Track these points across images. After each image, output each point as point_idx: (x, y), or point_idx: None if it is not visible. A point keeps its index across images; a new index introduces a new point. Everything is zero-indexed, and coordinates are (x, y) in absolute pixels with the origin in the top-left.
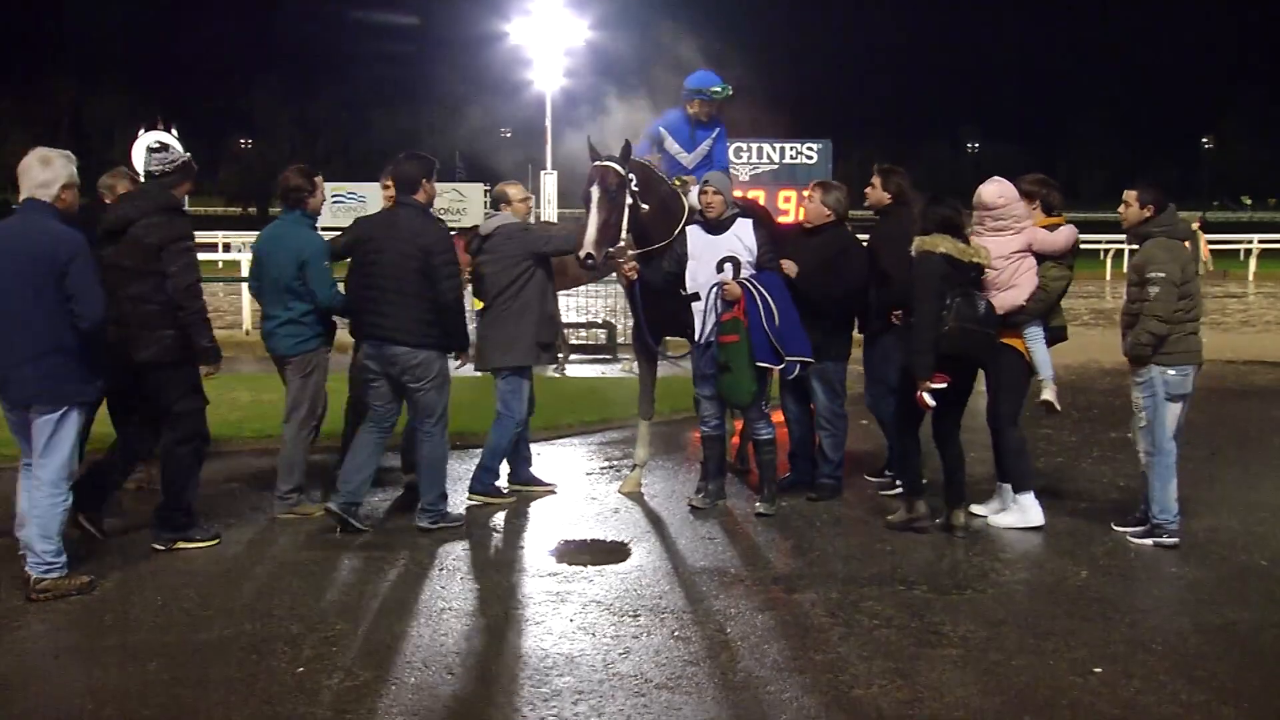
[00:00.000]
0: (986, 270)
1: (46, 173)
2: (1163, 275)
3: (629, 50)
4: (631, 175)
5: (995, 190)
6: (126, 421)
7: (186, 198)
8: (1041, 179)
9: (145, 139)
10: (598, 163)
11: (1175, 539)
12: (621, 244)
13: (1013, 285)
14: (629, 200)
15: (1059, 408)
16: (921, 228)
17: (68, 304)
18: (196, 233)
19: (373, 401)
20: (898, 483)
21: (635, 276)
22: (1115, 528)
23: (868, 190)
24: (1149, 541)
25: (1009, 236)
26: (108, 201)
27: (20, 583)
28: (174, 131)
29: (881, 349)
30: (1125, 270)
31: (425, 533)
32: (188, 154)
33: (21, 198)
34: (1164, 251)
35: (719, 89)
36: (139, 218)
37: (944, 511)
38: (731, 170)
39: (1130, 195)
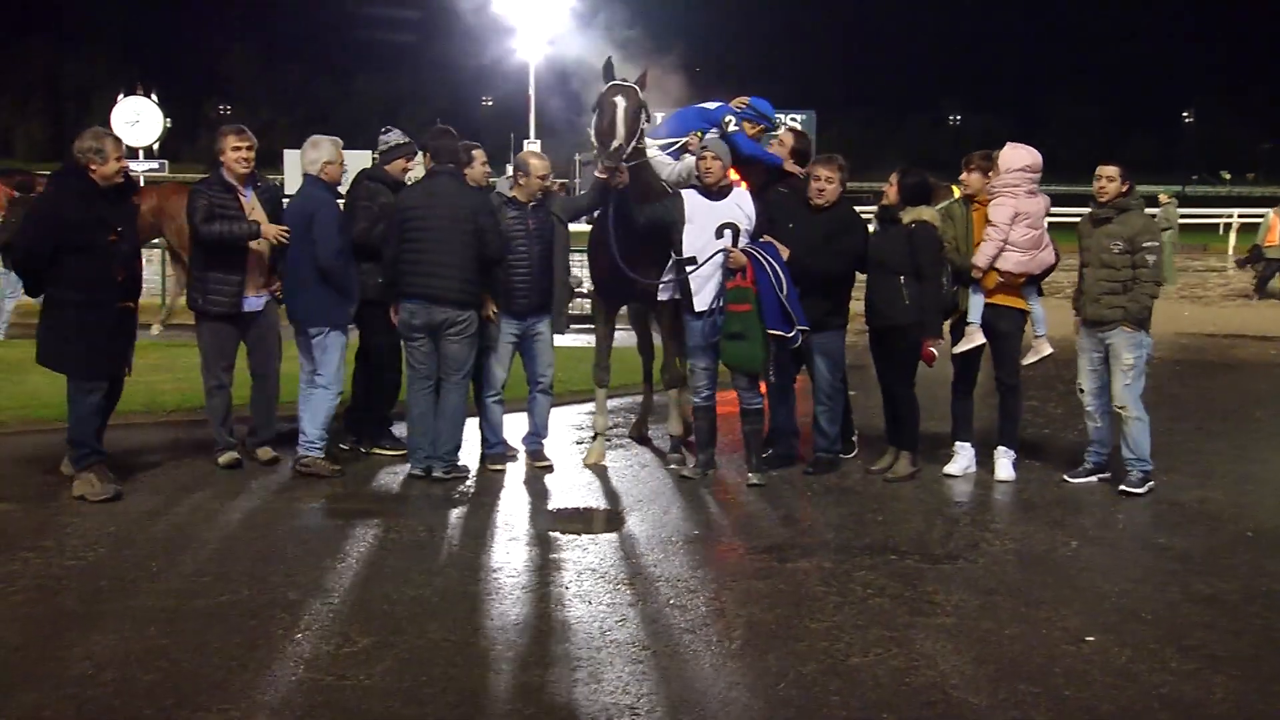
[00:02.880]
0: (1029, 228)
1: (313, 153)
2: (1158, 245)
3: (613, 21)
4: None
5: (1035, 154)
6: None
7: (405, 172)
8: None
9: (124, 104)
10: (618, 82)
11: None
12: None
13: (1047, 245)
14: (644, 124)
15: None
16: (911, 199)
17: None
18: None
19: (415, 360)
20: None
21: (622, 184)
22: (1067, 479)
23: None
24: (1095, 479)
25: (1039, 199)
26: (93, 167)
27: (14, 543)
28: (154, 97)
29: None
30: (1089, 239)
31: (438, 482)
32: (407, 138)
33: (302, 173)
34: (1153, 223)
35: (777, 126)
36: (359, 183)
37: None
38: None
39: (1113, 171)
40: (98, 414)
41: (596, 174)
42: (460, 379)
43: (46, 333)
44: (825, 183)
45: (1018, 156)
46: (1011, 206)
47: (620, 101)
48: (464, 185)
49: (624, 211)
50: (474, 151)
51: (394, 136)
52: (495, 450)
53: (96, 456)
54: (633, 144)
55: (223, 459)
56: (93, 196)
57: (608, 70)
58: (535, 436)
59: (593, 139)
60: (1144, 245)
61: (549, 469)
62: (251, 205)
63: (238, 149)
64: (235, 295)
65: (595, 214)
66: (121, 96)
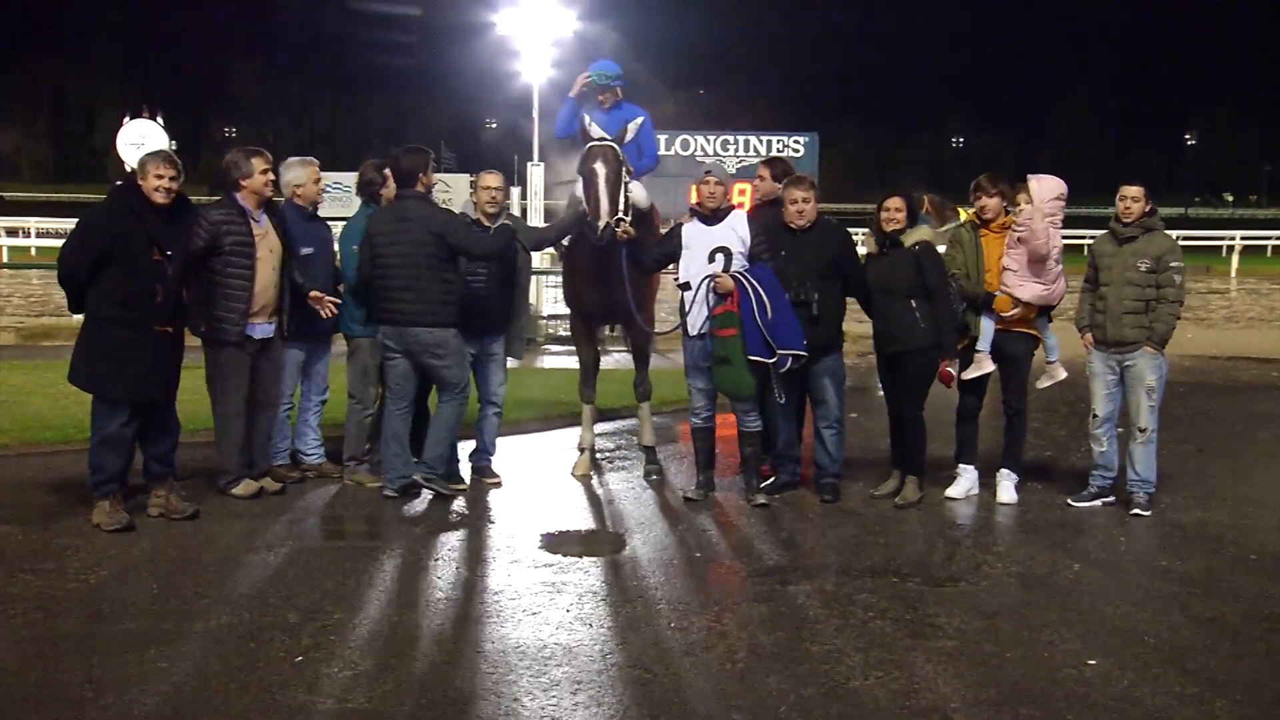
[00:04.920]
0: (1055, 262)
1: (285, 176)
2: (1183, 265)
3: (617, 42)
4: (625, 155)
5: (1063, 184)
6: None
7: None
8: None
9: (130, 127)
10: (596, 143)
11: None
12: (620, 215)
13: (1061, 275)
14: (626, 178)
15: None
16: (911, 221)
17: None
18: None
19: (391, 380)
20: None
21: (628, 238)
22: (1071, 502)
23: (756, 182)
24: (1099, 503)
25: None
26: (139, 182)
27: (14, 565)
28: (159, 120)
29: None
30: (1111, 259)
31: (439, 502)
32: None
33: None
34: (1177, 244)
35: (592, 76)
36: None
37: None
38: (720, 163)
39: (1137, 191)
40: (120, 442)
41: (597, 240)
42: (457, 394)
43: (78, 349)
44: (803, 203)
45: (1051, 186)
46: (1057, 235)
47: (600, 170)
48: (433, 206)
49: (635, 255)
50: (386, 171)
51: None
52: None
53: (114, 485)
54: (620, 206)
55: (242, 490)
56: (144, 212)
57: (584, 133)
58: (484, 454)
59: (583, 205)
60: (1170, 265)
61: (497, 484)
62: (264, 230)
63: (266, 172)
64: (240, 321)
65: (568, 242)
66: (127, 119)
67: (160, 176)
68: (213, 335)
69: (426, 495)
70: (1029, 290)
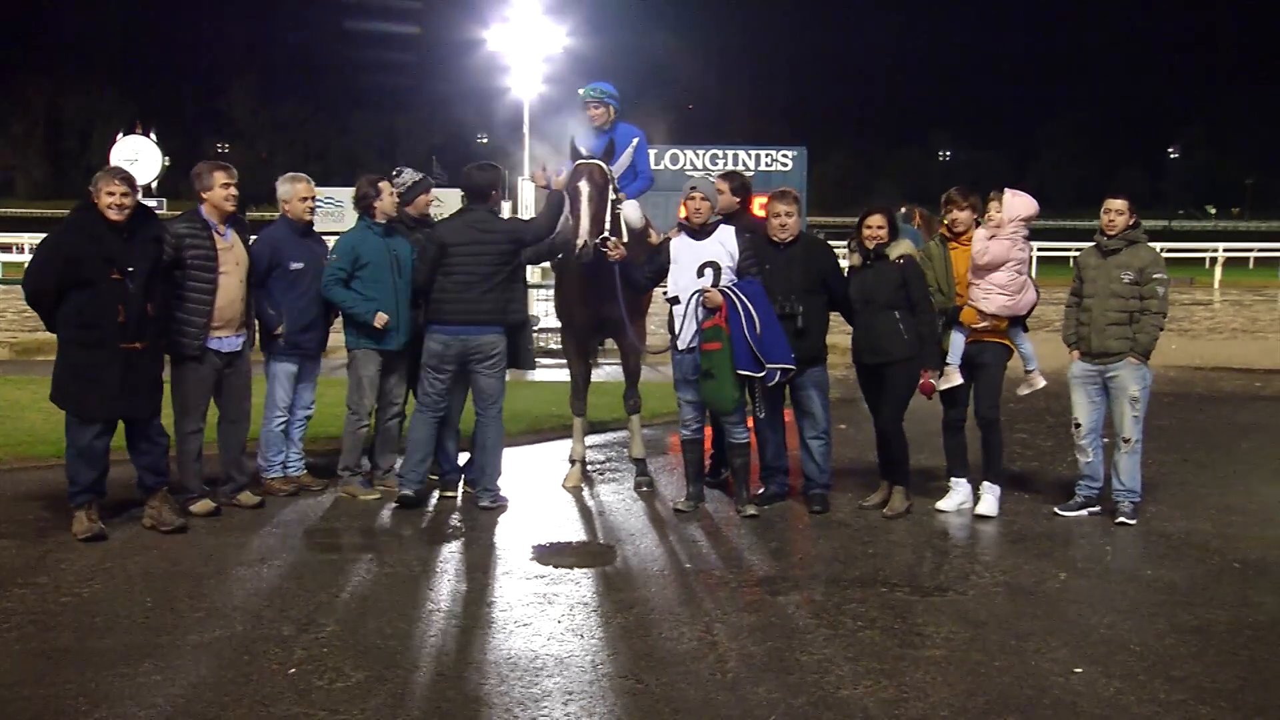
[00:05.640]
0: (1017, 273)
1: (278, 190)
2: (1166, 277)
3: (607, 58)
4: (613, 173)
5: (1035, 204)
6: None
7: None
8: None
9: (124, 143)
10: (583, 161)
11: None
12: (606, 233)
13: (1028, 286)
14: (612, 196)
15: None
16: (894, 234)
17: None
18: None
19: (434, 390)
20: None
21: (621, 257)
22: (1058, 512)
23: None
24: (1085, 513)
25: (1026, 245)
26: (94, 200)
27: (8, 579)
28: (152, 136)
29: None
30: (1095, 271)
31: (485, 511)
32: (419, 175)
33: None
34: (1160, 257)
35: (582, 91)
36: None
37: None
38: (707, 178)
39: (1121, 204)
40: (93, 454)
41: (578, 258)
42: (496, 412)
43: (55, 368)
44: (786, 217)
45: (1023, 205)
46: (1016, 249)
47: (584, 188)
48: (499, 217)
49: (627, 274)
50: (381, 185)
51: (408, 175)
52: (450, 476)
53: (89, 495)
54: (606, 224)
55: (200, 508)
56: (101, 233)
57: (573, 151)
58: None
59: (570, 222)
60: (1153, 277)
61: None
62: (229, 244)
63: (227, 185)
64: (200, 335)
65: (560, 258)
66: (121, 135)
67: (112, 194)
68: (173, 349)
69: (425, 507)
70: (994, 302)
